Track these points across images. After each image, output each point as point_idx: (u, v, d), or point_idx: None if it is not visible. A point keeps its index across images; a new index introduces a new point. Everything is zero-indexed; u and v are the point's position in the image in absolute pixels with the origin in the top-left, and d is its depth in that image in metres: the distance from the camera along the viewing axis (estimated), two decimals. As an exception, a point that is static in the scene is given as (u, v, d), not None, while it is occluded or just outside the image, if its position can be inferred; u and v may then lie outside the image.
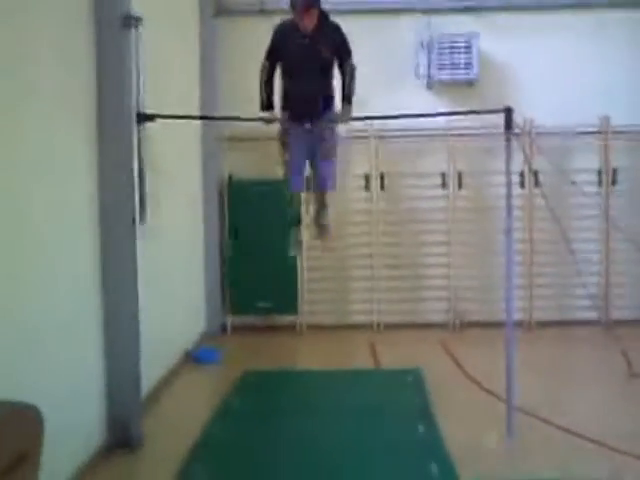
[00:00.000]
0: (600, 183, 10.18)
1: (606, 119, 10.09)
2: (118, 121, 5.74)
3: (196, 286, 9.78)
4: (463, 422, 6.30)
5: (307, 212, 6.89)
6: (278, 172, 6.46)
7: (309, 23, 5.66)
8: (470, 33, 10.00)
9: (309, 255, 10.32)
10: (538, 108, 9.92)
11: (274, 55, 5.94)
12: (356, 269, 10.58)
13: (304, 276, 10.41)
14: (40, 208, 4.75)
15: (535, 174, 9.15)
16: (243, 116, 6.91)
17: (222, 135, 10.15)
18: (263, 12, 10.09)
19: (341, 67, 5.96)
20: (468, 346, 9.25)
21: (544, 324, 10.18)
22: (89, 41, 5.60)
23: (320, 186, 6.20)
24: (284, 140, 6.05)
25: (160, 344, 7.41)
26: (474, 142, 10.18)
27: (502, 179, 6.12)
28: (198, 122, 9.61)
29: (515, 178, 9.34)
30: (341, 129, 6.50)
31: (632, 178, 10.19)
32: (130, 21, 5.85)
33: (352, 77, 5.96)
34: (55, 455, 4.33)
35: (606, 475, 5.16)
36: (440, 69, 10.08)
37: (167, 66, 7.90)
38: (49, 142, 4.89)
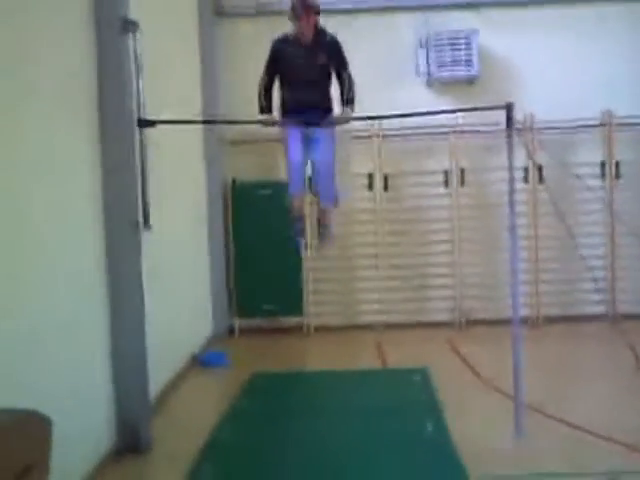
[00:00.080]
0: (603, 177, 10.17)
1: (608, 112, 10.08)
2: (119, 124, 5.75)
3: (202, 289, 9.79)
4: (471, 420, 6.29)
5: (309, 217, 6.95)
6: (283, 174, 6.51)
7: (308, 31, 5.73)
8: (469, 30, 9.99)
9: (314, 256, 10.34)
10: (540, 103, 9.92)
11: (273, 68, 6.06)
12: (361, 269, 10.58)
13: (309, 277, 10.42)
14: (41, 209, 4.74)
15: (539, 169, 9.14)
16: (245, 118, 6.93)
17: (224, 138, 10.16)
18: (262, 14, 10.12)
19: (339, 78, 6.05)
20: (475, 344, 9.23)
21: (551, 320, 10.17)
22: (89, 43, 5.61)
23: (322, 201, 6.26)
24: (285, 138, 6.11)
25: (167, 347, 7.42)
26: (476, 139, 10.17)
27: (505, 175, 6.10)
28: (200, 125, 9.62)
29: (518, 174, 9.37)
30: (341, 130, 6.55)
31: (636, 171, 10.16)
32: (129, 25, 5.86)
33: (351, 85, 6.07)
34: (65, 460, 4.33)
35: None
36: (440, 67, 10.07)
37: (167, 69, 7.91)
38: (49, 143, 4.87)
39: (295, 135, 6.05)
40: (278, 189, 10.16)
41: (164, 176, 7.28)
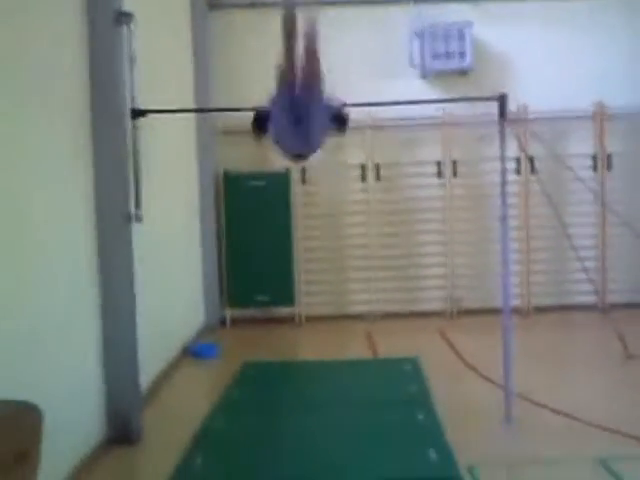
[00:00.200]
0: (595, 168, 10.21)
1: (600, 104, 10.11)
2: (112, 115, 5.73)
3: (194, 280, 9.80)
4: (462, 409, 6.33)
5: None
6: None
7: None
8: (463, 22, 10.00)
9: (306, 246, 10.37)
10: (533, 95, 9.96)
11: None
12: (353, 259, 10.60)
13: (301, 268, 10.43)
14: (34, 205, 4.74)
15: (531, 160, 9.17)
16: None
17: (216, 129, 10.15)
18: (255, 5, 10.11)
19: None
20: (466, 333, 9.28)
21: (541, 310, 10.23)
22: (83, 35, 5.60)
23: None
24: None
25: (159, 338, 7.44)
26: (469, 130, 10.19)
27: (497, 166, 6.13)
28: (192, 116, 9.62)
29: (511, 165, 9.40)
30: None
31: (627, 162, 10.22)
32: (123, 16, 5.85)
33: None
34: (56, 450, 4.36)
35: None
36: (434, 58, 10.07)
37: (160, 61, 7.90)
38: (39, 135, 4.86)
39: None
40: (270, 180, 10.23)
41: (156, 167, 7.28)
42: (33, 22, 4.78)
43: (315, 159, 5.24)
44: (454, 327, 9.79)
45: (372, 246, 10.42)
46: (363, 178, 10.36)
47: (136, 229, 6.16)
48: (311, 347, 9.41)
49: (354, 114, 6.94)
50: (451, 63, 10.09)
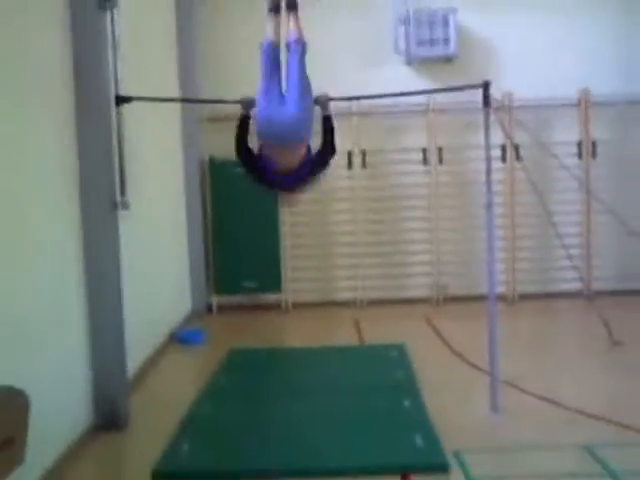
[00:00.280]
0: (580, 155, 10.25)
1: (585, 91, 10.15)
2: (96, 101, 5.70)
3: (180, 267, 9.79)
4: (448, 395, 6.36)
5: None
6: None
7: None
8: (447, 8, 9.98)
9: (292, 232, 10.37)
10: (518, 82, 9.98)
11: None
12: (339, 246, 10.62)
13: (288, 254, 10.44)
14: (20, 193, 4.72)
15: (516, 148, 9.19)
16: (223, 97, 6.81)
17: (202, 116, 10.11)
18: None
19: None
20: (452, 320, 9.32)
21: (526, 297, 10.29)
22: (65, 22, 5.55)
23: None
24: None
25: (145, 324, 7.44)
26: (454, 117, 10.20)
27: (483, 153, 6.13)
28: (177, 103, 9.56)
29: (496, 152, 9.42)
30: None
31: (612, 150, 10.27)
32: (106, 2, 5.81)
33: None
34: (43, 436, 4.36)
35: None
36: (419, 45, 10.05)
37: (145, 47, 7.85)
38: (23, 127, 4.84)
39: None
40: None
41: (141, 154, 7.25)
42: (13, 6, 4.73)
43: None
44: (440, 314, 9.84)
45: (358, 233, 10.44)
46: (349, 165, 10.35)
47: (122, 216, 6.14)
48: (298, 334, 9.43)
49: (340, 102, 6.89)
50: (435, 50, 10.07)
